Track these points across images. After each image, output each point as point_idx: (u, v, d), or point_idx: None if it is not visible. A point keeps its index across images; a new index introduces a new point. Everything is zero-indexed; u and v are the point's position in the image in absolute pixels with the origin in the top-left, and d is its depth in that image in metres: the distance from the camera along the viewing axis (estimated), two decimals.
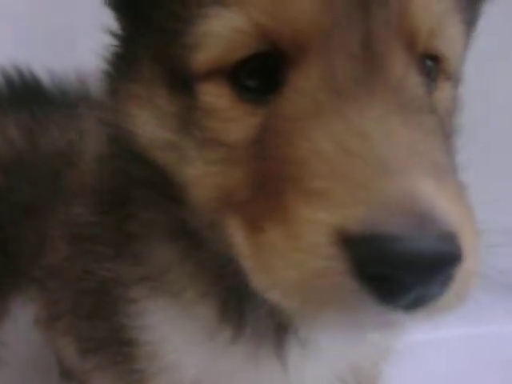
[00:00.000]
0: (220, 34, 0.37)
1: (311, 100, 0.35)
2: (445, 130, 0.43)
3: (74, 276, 0.64)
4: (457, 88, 0.49)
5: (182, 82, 0.41)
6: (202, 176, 0.41)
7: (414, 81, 0.37)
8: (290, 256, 0.32)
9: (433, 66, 0.43)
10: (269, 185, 0.36)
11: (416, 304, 0.31)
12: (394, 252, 0.29)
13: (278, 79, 0.38)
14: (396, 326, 0.37)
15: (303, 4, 0.35)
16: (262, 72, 0.38)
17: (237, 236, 0.38)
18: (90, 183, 0.63)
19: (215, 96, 0.39)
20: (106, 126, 0.52)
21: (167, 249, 0.50)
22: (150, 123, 0.44)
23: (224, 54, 0.38)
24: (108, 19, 0.53)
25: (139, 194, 0.51)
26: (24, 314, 0.92)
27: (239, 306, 0.49)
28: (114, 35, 0.50)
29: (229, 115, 0.39)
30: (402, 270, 0.29)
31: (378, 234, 0.29)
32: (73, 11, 1.09)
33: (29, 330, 1.01)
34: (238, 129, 0.39)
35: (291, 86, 0.37)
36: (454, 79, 0.47)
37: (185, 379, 0.55)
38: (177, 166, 0.43)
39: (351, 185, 0.31)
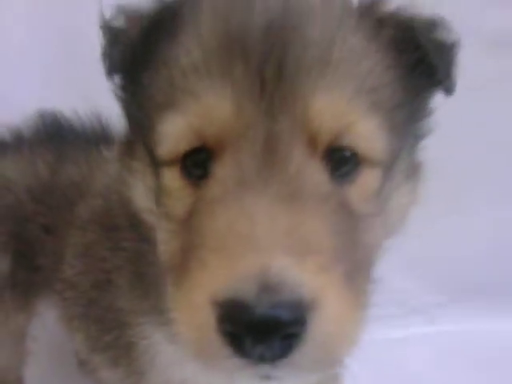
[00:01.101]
0: (170, 133, 0.47)
1: (223, 188, 0.43)
2: (353, 213, 0.47)
3: (86, 287, 0.79)
4: (392, 173, 0.52)
5: (156, 165, 0.51)
6: (161, 241, 0.52)
7: (311, 173, 0.43)
8: (185, 310, 0.41)
9: (351, 156, 0.48)
10: (188, 253, 0.44)
11: (264, 360, 0.37)
12: (239, 315, 0.36)
13: (207, 169, 0.46)
14: (270, 377, 0.41)
15: (221, 110, 0.44)
16: (201, 162, 0.47)
17: (169, 291, 0.47)
18: (98, 215, 0.78)
19: (169, 178, 0.49)
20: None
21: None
22: (141, 194, 0.55)
23: (174, 148, 0.48)
24: None
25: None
26: (50, 314, 1.05)
27: None
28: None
29: (178, 194, 0.49)
30: (243, 330, 0.36)
31: (232, 300, 0.36)
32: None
33: (54, 327, 1.15)
34: (181, 206, 0.48)
35: (213, 175, 0.45)
36: (385, 166, 0.50)
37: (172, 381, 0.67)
38: (155, 230, 0.54)
39: (226, 259, 0.38)
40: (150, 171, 0.53)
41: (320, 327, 0.37)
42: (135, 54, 0.51)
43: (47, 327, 1.14)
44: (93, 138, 1.01)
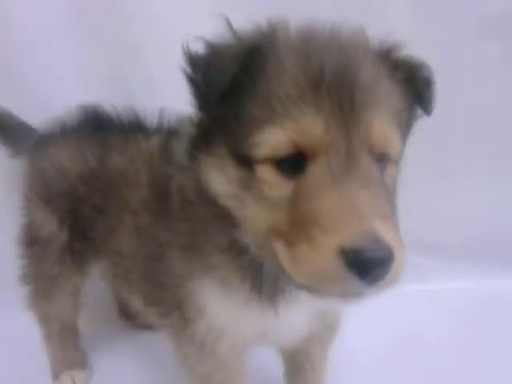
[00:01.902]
0: (270, 142, 0.65)
1: (320, 180, 0.63)
2: (389, 193, 0.71)
3: (142, 258, 0.98)
4: (398, 167, 0.77)
5: (243, 161, 0.68)
6: (256, 217, 0.69)
7: (372, 170, 0.65)
8: (313, 258, 0.59)
9: (385, 157, 0.70)
10: (298, 223, 0.63)
11: (375, 280, 0.59)
12: (364, 256, 0.57)
13: (301, 166, 0.65)
14: (364, 295, 0.62)
15: (316, 129, 0.63)
16: (295, 163, 0.65)
17: (280, 250, 0.65)
18: (148, 203, 0.96)
19: (266, 173, 0.67)
20: (185, 173, 0.82)
21: (221, 255, 0.80)
22: (221, 183, 0.72)
23: (272, 153, 0.65)
24: None
25: (206, 219, 0.79)
26: (97, 274, 1.28)
27: (260, 284, 0.81)
28: (197, 124, 0.76)
29: (273, 183, 0.66)
30: (368, 263, 0.57)
31: (357, 248, 0.57)
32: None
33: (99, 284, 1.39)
34: (279, 191, 0.66)
35: (309, 171, 0.64)
36: (396, 163, 0.76)
37: (217, 325, 0.87)
38: (238, 208, 0.71)
39: (344, 225, 0.59)
40: (232, 165, 0.70)
41: (396, 262, 0.60)
42: (231, 82, 0.67)
43: (93, 285, 1.35)
44: (130, 129, 1.15)
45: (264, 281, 0.81)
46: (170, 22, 1.39)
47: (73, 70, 1.42)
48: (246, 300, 0.83)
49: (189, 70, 0.72)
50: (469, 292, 1.60)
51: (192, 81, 0.73)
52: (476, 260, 1.63)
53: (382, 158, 0.70)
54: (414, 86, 0.77)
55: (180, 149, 0.88)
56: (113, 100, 1.20)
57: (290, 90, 0.65)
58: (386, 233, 0.59)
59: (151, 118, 1.15)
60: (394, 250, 0.59)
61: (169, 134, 1.06)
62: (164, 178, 0.93)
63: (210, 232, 0.81)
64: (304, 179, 0.65)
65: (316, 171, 0.64)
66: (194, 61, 0.71)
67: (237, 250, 0.79)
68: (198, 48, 0.72)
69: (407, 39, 0.78)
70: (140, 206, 1.00)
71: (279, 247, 0.65)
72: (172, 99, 0.87)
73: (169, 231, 0.90)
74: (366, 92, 0.66)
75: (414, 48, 0.78)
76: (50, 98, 1.40)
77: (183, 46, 0.72)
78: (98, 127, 1.19)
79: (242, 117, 0.68)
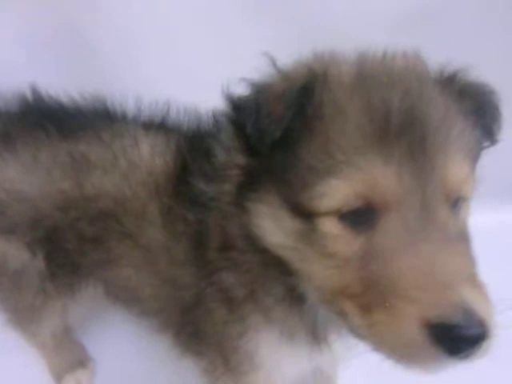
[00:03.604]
0: (334, 195, 0.57)
1: (394, 237, 0.56)
2: (468, 240, 0.62)
3: (170, 308, 0.86)
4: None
5: (301, 212, 0.60)
6: (321, 275, 0.61)
7: (451, 220, 0.58)
8: (394, 330, 0.54)
9: (459, 200, 0.62)
10: (373, 286, 0.56)
11: (466, 357, 0.53)
12: (456, 333, 0.51)
13: (371, 220, 0.57)
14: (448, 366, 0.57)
15: (387, 180, 0.56)
16: (360, 214, 0.57)
17: (352, 313, 0.59)
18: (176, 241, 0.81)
19: (330, 227, 0.58)
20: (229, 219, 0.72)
21: (280, 306, 0.73)
22: (277, 234, 0.64)
23: (337, 207, 0.57)
24: None
25: (258, 268, 0.71)
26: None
27: (317, 329, 0.76)
28: (242, 168, 0.66)
29: (339, 239, 0.59)
30: (461, 341, 0.51)
31: (446, 323, 0.51)
32: None
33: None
34: (346, 248, 0.58)
35: (381, 227, 0.57)
36: (469, 200, 0.68)
37: (275, 376, 0.83)
38: (298, 262, 0.64)
39: (427, 292, 0.52)
40: (287, 216, 0.62)
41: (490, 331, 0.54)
42: (285, 127, 0.59)
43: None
44: (99, 127, 0.90)
45: (320, 325, 0.77)
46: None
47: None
48: (306, 348, 0.78)
49: (232, 112, 0.63)
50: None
51: (236, 124, 0.64)
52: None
53: (457, 201, 0.62)
54: (482, 116, 0.68)
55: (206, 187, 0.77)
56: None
57: (353, 136, 0.58)
58: (476, 301, 0.53)
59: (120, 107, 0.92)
60: (488, 323, 0.53)
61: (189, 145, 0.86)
62: (189, 219, 0.80)
63: (265, 282, 0.74)
64: (375, 235, 0.58)
65: (389, 227, 0.57)
66: (239, 106, 0.62)
67: (294, 299, 0.73)
68: (240, 89, 0.63)
69: None
70: (154, 245, 0.84)
71: (350, 309, 0.60)
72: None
73: (209, 283, 0.79)
74: (437, 133, 0.59)
75: None
76: None
77: (223, 88, 0.64)
78: (57, 127, 0.89)
79: (298, 166, 0.60)
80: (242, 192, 0.67)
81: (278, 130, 0.59)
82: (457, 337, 0.51)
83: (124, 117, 0.93)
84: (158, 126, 0.92)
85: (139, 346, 1.32)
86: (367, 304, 0.56)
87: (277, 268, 0.69)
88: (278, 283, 0.72)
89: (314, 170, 0.58)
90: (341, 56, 0.65)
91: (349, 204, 0.57)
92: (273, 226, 0.64)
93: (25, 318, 1.08)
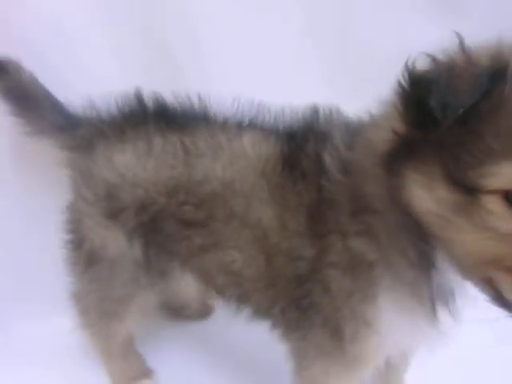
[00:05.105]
0: (506, 176, 0.60)
1: None
2: None
3: (281, 282, 0.89)
4: None
5: (464, 186, 0.64)
6: (472, 245, 0.65)
7: None
8: None
9: None
10: None
11: None
12: None
13: None
14: None
15: None
16: None
17: (504, 283, 0.64)
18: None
19: (496, 204, 0.62)
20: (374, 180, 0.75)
21: (413, 270, 0.76)
22: (426, 200, 0.67)
23: (506, 188, 0.61)
24: None
25: (394, 230, 0.75)
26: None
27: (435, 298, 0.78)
28: (402, 137, 0.69)
29: (503, 216, 0.62)
30: None
31: None
32: None
33: None
34: (507, 224, 0.62)
35: None
36: None
37: (390, 343, 0.84)
38: (445, 229, 0.67)
39: None
40: (445, 187, 0.66)
41: None
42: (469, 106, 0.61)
43: None
44: (203, 123, 0.98)
45: (441, 301, 0.79)
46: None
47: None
48: (425, 317, 0.80)
49: (410, 84, 0.66)
50: None
51: (411, 96, 0.67)
52: None
53: None
54: None
55: (330, 157, 0.83)
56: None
57: None
58: None
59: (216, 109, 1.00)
60: None
61: (288, 137, 0.92)
62: (311, 191, 0.84)
63: (400, 244, 0.76)
64: None
65: None
66: (421, 78, 0.65)
67: (425, 265, 0.76)
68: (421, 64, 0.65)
69: None
70: (266, 221, 0.88)
71: (503, 279, 0.65)
72: None
73: (326, 249, 0.82)
74: None
75: None
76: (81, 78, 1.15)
77: (407, 62, 0.65)
78: (165, 122, 0.99)
79: (474, 144, 0.63)
80: (396, 158, 0.71)
81: (462, 108, 0.62)
82: None
83: (222, 117, 1.01)
84: (253, 126, 0.99)
85: (195, 357, 1.33)
86: None
87: (412, 232, 0.73)
88: (413, 247, 0.75)
89: (492, 151, 0.62)
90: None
91: None
92: (427, 194, 0.68)
93: (108, 313, 1.10)
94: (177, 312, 1.45)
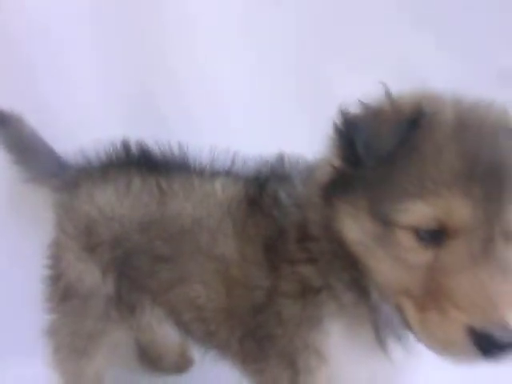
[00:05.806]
0: (416, 214, 0.67)
1: (459, 258, 0.66)
2: None
3: (240, 313, 0.92)
4: None
5: (383, 219, 0.71)
6: (388, 274, 0.72)
7: (507, 256, 0.67)
8: (443, 328, 0.65)
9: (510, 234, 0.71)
10: (432, 292, 0.67)
11: (497, 360, 0.64)
12: (492, 340, 0.62)
13: (441, 240, 0.68)
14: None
15: (463, 212, 0.66)
16: (432, 234, 0.68)
17: (408, 309, 0.70)
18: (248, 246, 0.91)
19: (406, 238, 0.69)
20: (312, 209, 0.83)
21: (350, 293, 0.81)
22: (354, 231, 0.75)
23: (416, 224, 0.68)
24: None
25: (331, 256, 0.81)
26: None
27: (380, 328, 0.82)
28: (337, 171, 0.77)
29: (412, 250, 0.69)
30: (495, 347, 0.62)
31: (487, 333, 0.62)
32: None
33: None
34: (417, 258, 0.69)
35: (449, 247, 0.67)
36: None
37: (341, 373, 0.85)
38: (368, 258, 0.74)
39: (476, 307, 0.63)
40: (369, 219, 0.73)
41: None
42: (389, 150, 0.70)
43: None
44: (180, 168, 1.07)
45: (383, 325, 0.82)
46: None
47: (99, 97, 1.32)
48: (371, 345, 0.83)
49: (343, 126, 0.75)
50: None
51: (344, 136, 0.75)
52: None
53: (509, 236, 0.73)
54: None
55: (285, 193, 0.93)
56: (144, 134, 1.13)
57: (444, 172, 0.68)
58: None
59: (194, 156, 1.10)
60: None
61: (253, 180, 1.00)
62: (267, 223, 0.91)
63: (336, 270, 0.82)
64: (443, 253, 0.68)
65: (456, 249, 0.67)
66: (352, 121, 0.73)
67: (360, 290, 0.81)
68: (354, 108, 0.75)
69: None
70: (227, 253, 0.94)
71: (407, 306, 0.71)
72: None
73: (284, 278, 0.86)
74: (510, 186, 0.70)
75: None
76: (74, 127, 1.27)
77: (341, 106, 0.74)
78: (146, 166, 1.08)
79: (392, 183, 0.71)
80: (332, 189, 0.79)
81: (383, 151, 0.70)
82: (493, 343, 0.62)
83: (199, 164, 1.10)
84: (228, 173, 1.07)
85: None
86: (423, 304, 0.68)
87: (345, 260, 0.79)
88: (346, 272, 0.80)
89: (405, 190, 0.69)
90: (442, 97, 0.75)
91: (427, 224, 0.68)
92: (354, 224, 0.75)
93: (78, 350, 1.11)
94: (154, 363, 1.43)
